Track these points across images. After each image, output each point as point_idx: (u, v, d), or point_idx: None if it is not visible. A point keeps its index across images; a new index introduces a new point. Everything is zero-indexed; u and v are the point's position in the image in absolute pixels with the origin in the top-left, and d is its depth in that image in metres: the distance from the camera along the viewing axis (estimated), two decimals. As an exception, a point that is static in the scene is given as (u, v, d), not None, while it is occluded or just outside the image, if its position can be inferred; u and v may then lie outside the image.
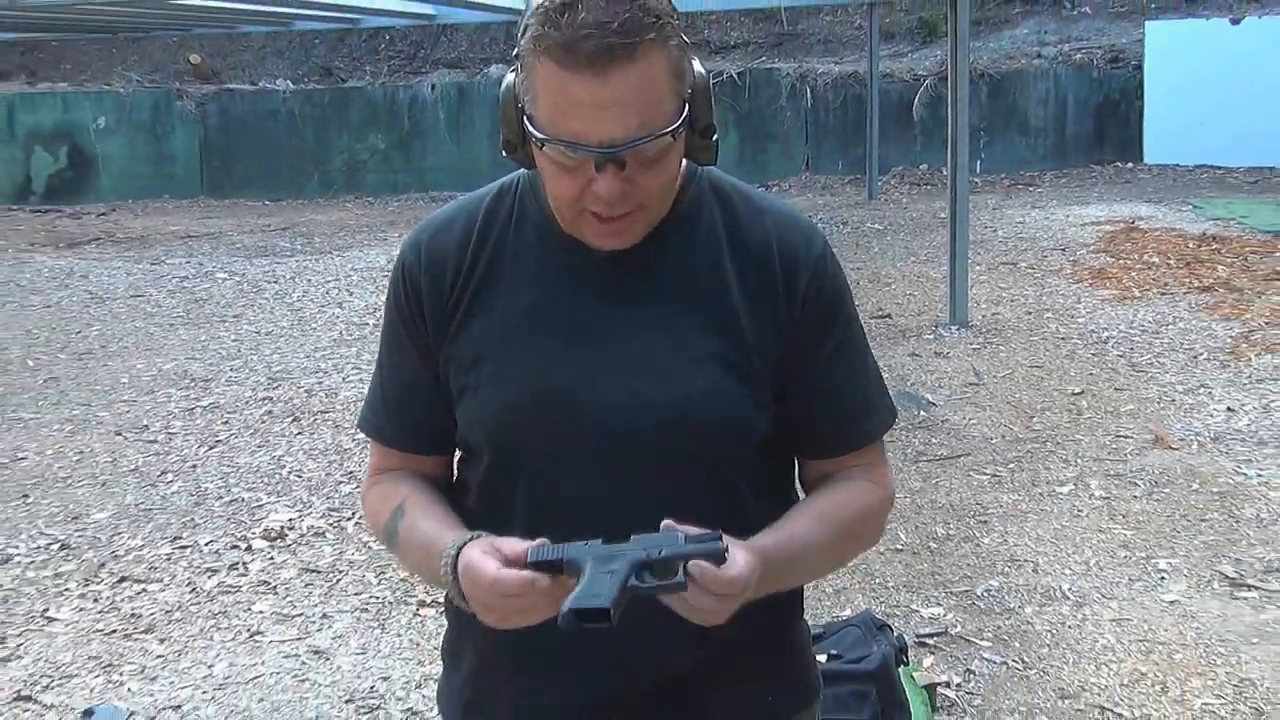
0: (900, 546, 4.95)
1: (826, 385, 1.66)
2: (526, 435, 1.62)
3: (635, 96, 1.44)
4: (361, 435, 1.78)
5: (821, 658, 3.11)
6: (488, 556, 1.48)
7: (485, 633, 1.58)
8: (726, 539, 1.47)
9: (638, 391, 1.58)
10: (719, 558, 1.43)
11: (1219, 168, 16.34)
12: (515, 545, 1.49)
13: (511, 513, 1.63)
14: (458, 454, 1.75)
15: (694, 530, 1.45)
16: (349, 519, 5.49)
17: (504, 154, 1.58)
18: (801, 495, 1.73)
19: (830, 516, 1.65)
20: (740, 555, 1.45)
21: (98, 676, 4.19)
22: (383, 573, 4.91)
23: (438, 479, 1.75)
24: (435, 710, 3.98)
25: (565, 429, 1.59)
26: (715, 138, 1.57)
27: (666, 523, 1.46)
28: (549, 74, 1.44)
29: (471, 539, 1.54)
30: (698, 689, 1.64)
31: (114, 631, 4.53)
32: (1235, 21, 16.89)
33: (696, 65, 1.52)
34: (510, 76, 1.53)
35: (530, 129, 1.49)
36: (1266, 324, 8.13)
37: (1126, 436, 6.18)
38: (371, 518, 1.78)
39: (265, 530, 5.41)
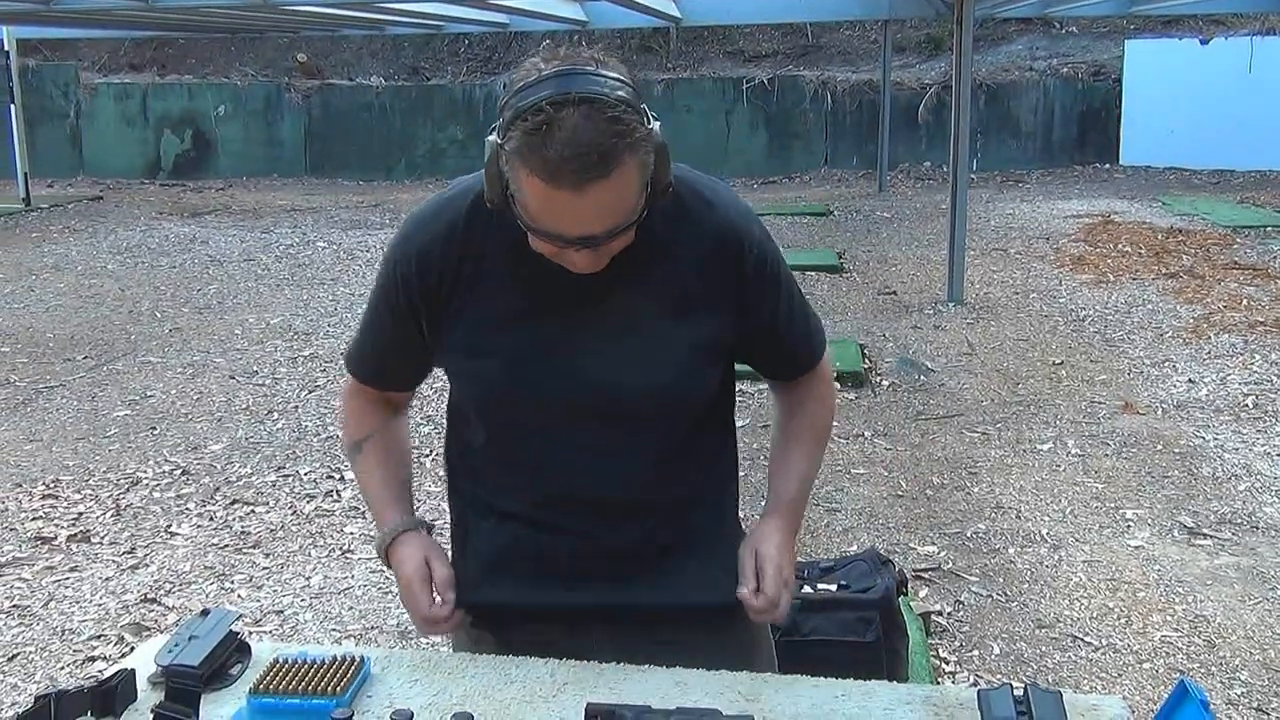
0: (901, 493, 4.92)
1: (779, 332, 1.73)
2: (521, 412, 1.66)
3: (610, 203, 1.45)
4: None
5: (832, 587, 3.09)
6: (424, 579, 1.68)
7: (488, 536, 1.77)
8: (765, 529, 1.69)
9: (613, 371, 1.61)
10: None
11: (1186, 169, 16.07)
12: (443, 570, 1.69)
13: (517, 468, 1.70)
14: (459, 420, 1.79)
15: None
16: (427, 455, 5.50)
17: (487, 204, 1.54)
18: (774, 399, 1.86)
19: (815, 435, 1.81)
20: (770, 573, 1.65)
21: (212, 584, 4.23)
22: (455, 502, 4.91)
23: (399, 405, 1.87)
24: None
25: (553, 406, 1.63)
26: (671, 189, 1.55)
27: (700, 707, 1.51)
28: (533, 184, 1.43)
29: (407, 530, 1.73)
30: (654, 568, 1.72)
31: (226, 546, 4.57)
32: (1204, 42, 16.57)
33: (655, 129, 1.47)
34: (493, 138, 1.47)
35: (518, 211, 1.49)
36: (1224, 307, 8.01)
37: (1100, 402, 6.11)
38: (344, 425, 1.88)
39: (356, 463, 5.43)
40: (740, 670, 1.66)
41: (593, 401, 1.62)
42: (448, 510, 1.85)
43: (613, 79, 1.43)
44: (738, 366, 1.78)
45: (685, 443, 1.69)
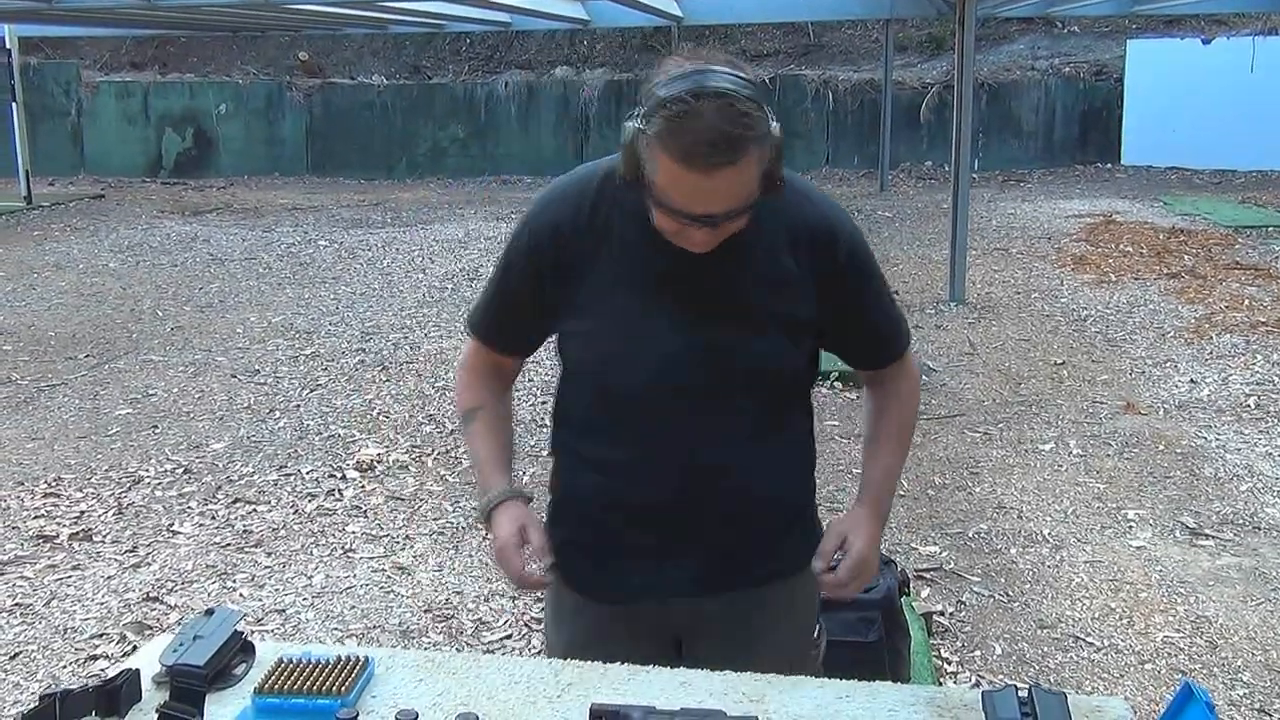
0: (902, 493, 4.90)
1: (868, 322, 1.89)
2: (622, 372, 1.79)
3: (732, 188, 1.61)
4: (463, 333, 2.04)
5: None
6: (518, 545, 1.78)
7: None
8: (855, 518, 1.83)
9: (712, 344, 1.75)
10: None
11: (1187, 169, 16.08)
12: (539, 537, 1.80)
13: (606, 426, 1.83)
14: (561, 375, 1.92)
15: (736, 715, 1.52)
16: (429, 455, 5.51)
17: (620, 181, 1.70)
18: (866, 394, 2.00)
19: (902, 429, 1.96)
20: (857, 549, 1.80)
21: (214, 583, 4.23)
22: (457, 501, 4.92)
23: (509, 375, 2.02)
24: (501, 621, 4.01)
25: (652, 372, 1.77)
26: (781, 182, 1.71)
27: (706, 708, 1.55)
28: (668, 165, 1.59)
29: (509, 498, 1.83)
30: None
31: (228, 545, 4.57)
32: (1206, 42, 16.58)
33: (775, 129, 1.63)
34: (631, 125, 1.63)
35: (649, 188, 1.64)
36: (1226, 307, 8.01)
37: (1101, 402, 6.11)
38: (458, 396, 2.02)
39: (357, 462, 5.43)
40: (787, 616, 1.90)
41: (685, 366, 1.75)
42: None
43: (744, 79, 1.61)
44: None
45: (771, 414, 1.83)
